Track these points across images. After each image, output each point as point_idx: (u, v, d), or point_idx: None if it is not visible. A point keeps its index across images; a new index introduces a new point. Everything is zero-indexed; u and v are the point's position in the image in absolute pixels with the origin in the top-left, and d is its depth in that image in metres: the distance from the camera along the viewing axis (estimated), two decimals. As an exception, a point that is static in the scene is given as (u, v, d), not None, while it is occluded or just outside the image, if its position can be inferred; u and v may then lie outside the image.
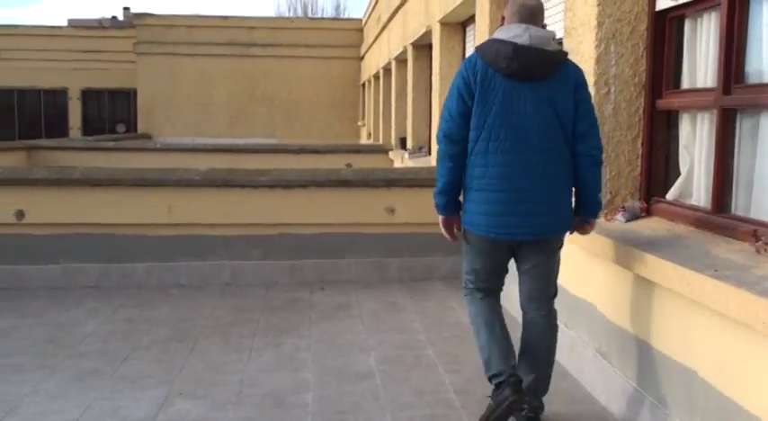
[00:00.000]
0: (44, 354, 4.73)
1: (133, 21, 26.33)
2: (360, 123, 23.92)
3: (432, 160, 9.42)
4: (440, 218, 3.68)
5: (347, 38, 24.80)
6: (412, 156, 11.05)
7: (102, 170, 7.08)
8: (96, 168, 7.31)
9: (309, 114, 24.88)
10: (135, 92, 25.73)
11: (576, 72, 3.44)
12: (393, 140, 14.05)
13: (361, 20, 24.69)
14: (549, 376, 3.63)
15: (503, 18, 3.56)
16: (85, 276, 6.50)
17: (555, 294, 3.67)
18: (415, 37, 10.99)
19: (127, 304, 5.96)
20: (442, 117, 3.50)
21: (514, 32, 3.37)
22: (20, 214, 6.46)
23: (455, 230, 3.68)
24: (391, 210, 6.78)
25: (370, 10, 20.72)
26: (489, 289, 3.68)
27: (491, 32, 6.47)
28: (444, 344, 4.95)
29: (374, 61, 18.89)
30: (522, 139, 3.33)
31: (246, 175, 6.82)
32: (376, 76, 18.42)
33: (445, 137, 3.45)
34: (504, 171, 3.34)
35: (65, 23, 31.04)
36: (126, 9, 32.54)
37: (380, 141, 16.36)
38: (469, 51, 8.54)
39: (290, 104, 24.94)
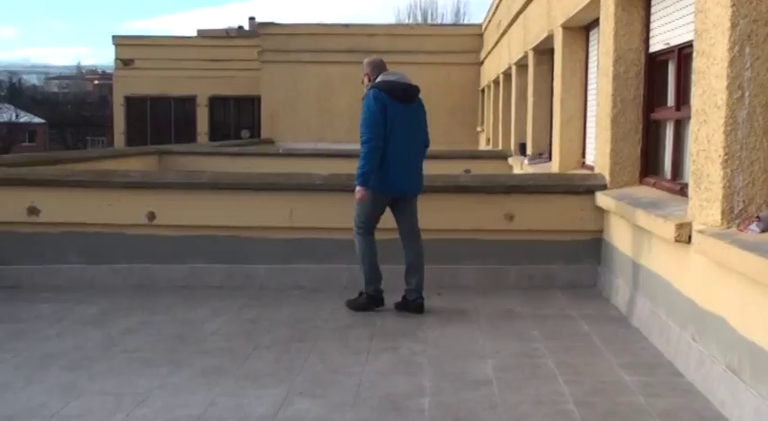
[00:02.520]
0: (172, 350, 4.93)
1: (258, 30, 27.15)
2: (479, 129, 23.77)
3: (553, 166, 9.25)
4: (360, 188, 5.66)
5: (467, 43, 24.71)
6: (532, 162, 10.89)
7: (228, 174, 7.33)
8: (222, 173, 7.58)
9: (428, 120, 24.94)
10: (259, 98, 26.47)
11: (420, 100, 5.99)
12: (512, 146, 13.89)
13: (480, 25, 24.55)
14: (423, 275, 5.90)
15: (368, 75, 5.99)
16: (211, 276, 6.74)
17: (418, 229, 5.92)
18: (536, 42, 10.83)
19: (249, 304, 6.13)
20: (369, 127, 5.65)
21: (395, 76, 5.87)
22: (151, 216, 6.76)
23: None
24: (510, 217, 6.70)
25: (490, 15, 20.59)
26: (374, 231, 5.88)
27: (616, 36, 6.32)
28: (564, 353, 4.85)
29: (494, 66, 18.75)
30: (408, 138, 5.80)
31: (366, 180, 6.88)
32: (496, 82, 18.27)
33: (375, 139, 5.64)
34: (400, 157, 5.72)
35: (194, 34, 32.34)
36: (251, 19, 33.62)
37: (499, 147, 16.20)
38: (593, 56, 8.35)
39: (409, 110, 25.05)
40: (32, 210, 6.74)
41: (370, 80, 5.96)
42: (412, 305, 5.86)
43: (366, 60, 6.07)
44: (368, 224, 5.86)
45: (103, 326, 5.51)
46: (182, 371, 4.51)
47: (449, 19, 44.99)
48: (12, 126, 58.73)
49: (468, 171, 12.39)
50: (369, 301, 5.90)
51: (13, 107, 60.36)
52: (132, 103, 30.45)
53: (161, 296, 6.38)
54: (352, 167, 11.06)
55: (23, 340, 5.12)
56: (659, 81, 6.23)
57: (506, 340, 5.16)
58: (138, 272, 6.76)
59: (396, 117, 5.70)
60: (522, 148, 12.89)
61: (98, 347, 4.99)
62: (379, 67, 5.97)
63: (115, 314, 5.81)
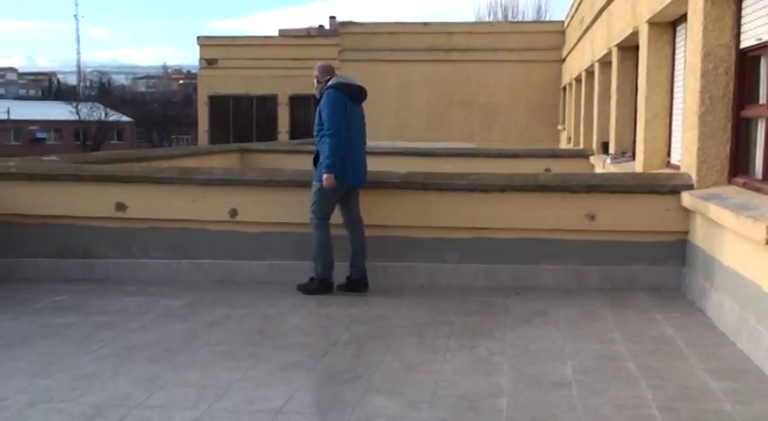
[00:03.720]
0: (252, 344, 5.01)
1: (338, 29, 27.40)
2: (560, 127, 23.43)
3: (637, 166, 9.04)
4: (328, 175, 6.16)
5: (548, 40, 24.37)
6: (614, 161, 10.66)
7: (307, 172, 7.39)
8: (302, 170, 7.64)
9: (508, 118, 24.70)
10: (339, 97, 26.68)
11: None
12: (594, 145, 13.63)
13: (562, 22, 24.19)
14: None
15: (317, 77, 6.58)
16: (290, 273, 6.82)
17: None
18: (621, 38, 10.59)
19: (327, 301, 6.18)
20: (336, 121, 6.21)
21: (349, 79, 6.56)
22: (233, 212, 6.89)
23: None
24: (591, 217, 6.58)
25: (572, 12, 20.25)
26: (329, 221, 6.38)
27: (705, 32, 6.12)
28: (647, 356, 4.73)
29: (576, 64, 18.44)
30: (360, 135, 6.51)
31: (444, 179, 6.88)
32: (577, 79, 17.97)
33: (342, 131, 6.22)
34: (355, 152, 6.34)
35: (276, 34, 32.84)
36: (332, 18, 33.94)
37: (581, 146, 15.93)
38: (679, 52, 8.12)
39: (489, 108, 24.88)
40: (120, 206, 6.95)
41: (319, 82, 6.56)
42: (362, 282, 6.39)
43: (318, 64, 6.71)
44: (326, 214, 6.35)
45: (187, 319, 5.65)
46: (262, 365, 4.58)
47: (530, 16, 44.48)
48: (101, 124, 60.84)
49: (548, 170, 12.22)
50: (321, 287, 6.33)
51: (102, 106, 62.46)
52: (216, 101, 31.14)
53: (242, 291, 6.49)
54: (429, 166, 11.05)
55: (110, 331, 5.29)
56: (751, 78, 6.01)
57: (587, 342, 5.07)
58: (220, 267, 6.90)
59: (352, 114, 6.35)
60: (604, 147, 12.64)
61: (181, 340, 5.11)
62: (329, 71, 6.62)
63: (198, 308, 5.95)
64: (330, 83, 6.43)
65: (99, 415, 3.81)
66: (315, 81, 6.62)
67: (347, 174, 6.30)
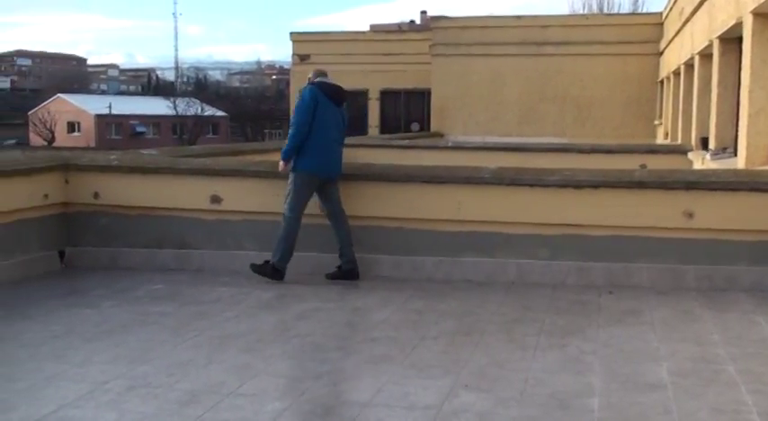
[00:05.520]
0: (341, 337, 5.07)
1: (430, 24, 27.33)
2: (656, 122, 22.78)
3: (739, 162, 8.71)
4: (283, 163, 6.62)
5: (645, 33, 23.69)
6: (714, 158, 10.30)
7: (398, 167, 7.42)
8: (392, 165, 7.67)
9: (602, 113, 24.15)
10: (429, 92, 26.64)
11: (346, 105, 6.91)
12: (693, 140, 13.20)
13: (660, 14, 23.48)
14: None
15: (309, 79, 6.89)
16: (379, 266, 6.85)
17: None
18: (723, 30, 10.22)
19: (416, 295, 6.18)
20: (299, 115, 6.57)
21: (331, 81, 6.91)
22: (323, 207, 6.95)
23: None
24: (690, 215, 6.36)
25: (671, 3, 19.64)
26: (302, 215, 6.61)
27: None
28: (748, 360, 4.55)
29: (674, 57, 17.89)
30: (336, 132, 6.78)
31: (536, 174, 6.78)
32: (676, 73, 17.43)
33: (303, 125, 6.55)
34: (329, 146, 6.67)
35: (367, 29, 33.01)
36: (423, 13, 33.88)
37: (679, 141, 15.45)
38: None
39: (582, 103, 24.39)
40: (215, 199, 7.12)
41: (310, 83, 6.90)
42: (352, 272, 6.63)
43: (314, 71, 7.11)
44: (300, 207, 6.60)
45: (277, 310, 5.75)
46: (350, 358, 4.62)
47: (626, 8, 43.34)
48: (198, 119, 62.48)
49: (644, 166, 11.89)
50: (274, 272, 6.56)
51: (198, 101, 64.13)
52: (307, 96, 31.52)
53: (332, 284, 6.56)
54: (522, 161, 10.92)
55: (205, 321, 5.43)
56: None
57: (683, 343, 4.91)
58: (309, 259, 6.98)
59: (326, 111, 6.63)
60: (704, 143, 12.24)
61: (272, 331, 5.21)
62: (319, 74, 6.98)
63: (288, 299, 6.04)
64: (313, 81, 6.82)
65: (193, 401, 3.92)
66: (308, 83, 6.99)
67: (319, 168, 6.59)
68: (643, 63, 23.67)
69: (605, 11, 41.43)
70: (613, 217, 6.47)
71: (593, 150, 13.72)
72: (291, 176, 6.61)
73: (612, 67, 23.99)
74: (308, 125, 6.54)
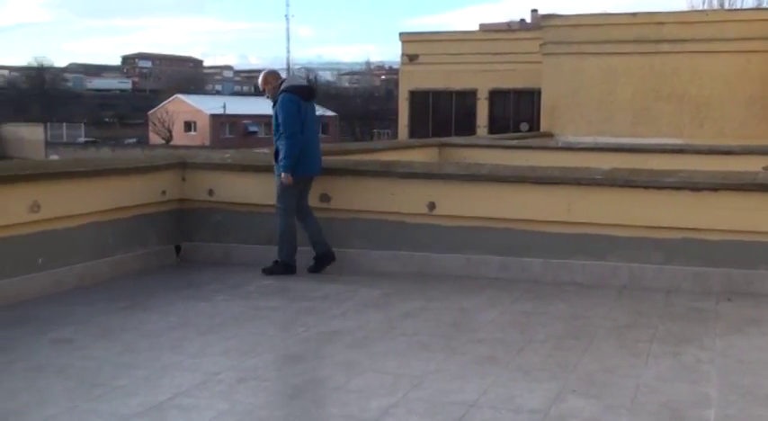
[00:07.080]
0: (447, 336, 5.05)
1: (540, 22, 26.91)
2: (780, 123, 21.70)
3: None
4: (286, 175, 6.72)
5: (769, 29, 22.61)
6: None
7: (507, 167, 7.34)
8: (501, 165, 7.58)
9: (721, 113, 23.16)
10: (539, 91, 26.23)
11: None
12: (821, 142, 12.50)
13: (786, 9, 22.36)
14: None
15: (264, 84, 7.09)
16: (486, 267, 6.79)
17: None
18: None
19: (523, 297, 6.10)
20: (291, 126, 6.74)
21: (300, 81, 7.65)
22: (431, 205, 6.95)
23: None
24: (817, 219, 6.03)
25: (798, -3, 18.65)
26: (293, 211, 6.89)
27: None
28: None
29: (801, 54, 16.98)
30: (314, 130, 7.12)
31: (651, 176, 6.57)
32: (803, 70, 16.55)
33: (297, 134, 6.75)
34: (312, 145, 6.94)
35: (476, 28, 32.82)
36: (534, 11, 33.39)
37: (806, 143, 14.67)
38: None
39: (700, 102, 23.46)
40: (324, 198, 7.23)
41: (269, 85, 7.03)
42: (328, 254, 6.90)
43: (263, 73, 7.20)
44: (291, 205, 6.86)
45: (384, 308, 5.78)
46: (456, 358, 4.60)
47: (749, 3, 41.48)
48: (308, 119, 63.60)
49: (767, 168, 11.35)
50: (285, 269, 6.83)
51: (309, 101, 65.19)
52: (416, 96, 31.59)
53: (438, 283, 6.55)
54: (635, 162, 10.62)
55: (313, 317, 5.53)
56: None
57: (808, 355, 4.66)
58: (417, 259, 6.99)
59: (307, 113, 6.90)
60: (832, 144, 11.56)
61: (378, 329, 5.25)
62: (277, 77, 7.18)
63: (395, 298, 6.07)
64: (283, 86, 6.92)
65: (301, 394, 3.99)
66: (265, 89, 7.08)
67: (308, 167, 6.91)
68: (767, 60, 22.59)
69: (727, 6, 39.77)
70: (733, 221, 6.20)
71: (712, 151, 13.17)
72: (277, 179, 6.85)
73: (733, 65, 22.99)
74: (299, 132, 6.78)
